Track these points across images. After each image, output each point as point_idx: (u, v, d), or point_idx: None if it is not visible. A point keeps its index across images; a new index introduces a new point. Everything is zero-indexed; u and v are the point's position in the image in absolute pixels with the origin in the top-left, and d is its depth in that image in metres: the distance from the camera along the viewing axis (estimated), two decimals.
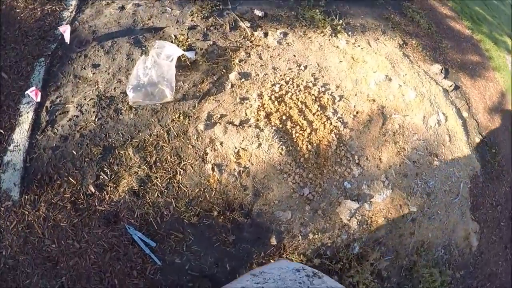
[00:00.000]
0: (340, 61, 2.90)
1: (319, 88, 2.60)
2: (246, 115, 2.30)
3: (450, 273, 2.66)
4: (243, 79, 2.47)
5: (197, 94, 2.40)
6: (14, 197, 2.14)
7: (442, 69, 3.46)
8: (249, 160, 2.17)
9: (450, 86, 3.40)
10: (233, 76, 2.44)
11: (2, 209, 2.14)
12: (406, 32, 3.68)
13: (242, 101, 2.36)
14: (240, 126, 2.23)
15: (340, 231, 2.38)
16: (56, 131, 2.29)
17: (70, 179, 2.16)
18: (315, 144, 2.36)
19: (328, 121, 2.49)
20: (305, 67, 2.71)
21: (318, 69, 2.74)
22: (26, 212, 2.10)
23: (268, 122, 2.29)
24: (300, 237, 2.22)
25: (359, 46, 3.16)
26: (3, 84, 2.45)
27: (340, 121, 2.54)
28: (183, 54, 2.44)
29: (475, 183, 2.99)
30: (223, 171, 2.14)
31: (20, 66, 2.52)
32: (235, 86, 2.44)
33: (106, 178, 2.17)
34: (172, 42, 2.59)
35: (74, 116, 2.34)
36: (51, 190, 2.13)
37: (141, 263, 2.03)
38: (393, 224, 2.60)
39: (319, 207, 2.30)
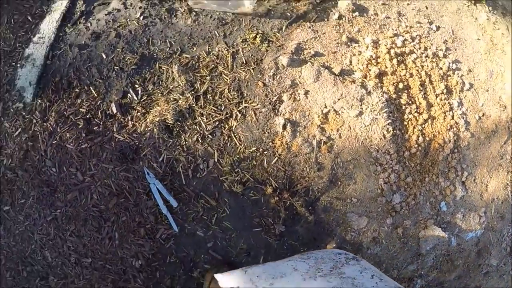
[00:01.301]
0: (478, 39, 2.07)
1: (449, 63, 1.82)
2: (351, 63, 1.55)
3: None
4: (356, 13, 1.68)
5: (288, 14, 1.62)
6: (27, 99, 1.70)
7: None
8: (337, 130, 1.47)
9: None
10: (344, 4, 1.65)
11: (12, 110, 1.72)
12: None
13: (349, 43, 1.59)
14: (340, 77, 1.50)
15: (412, 260, 1.77)
16: (89, 25, 1.72)
17: (91, 89, 1.61)
18: (427, 138, 1.65)
19: (450, 113, 1.75)
20: (437, 28, 1.90)
21: (451, 37, 1.93)
22: (34, 121, 1.64)
23: (379, 84, 1.54)
24: (365, 255, 1.60)
25: (499, 29, 2.31)
26: None
27: (463, 118, 1.79)
28: None
29: None
30: (297, 134, 1.45)
31: None
32: (344, 18, 1.66)
33: (135, 98, 1.55)
34: None
35: (115, 9, 1.72)
36: (67, 99, 1.64)
37: (152, 221, 1.49)
38: (466, 270, 1.99)
39: (402, 224, 1.64)
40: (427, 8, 1.94)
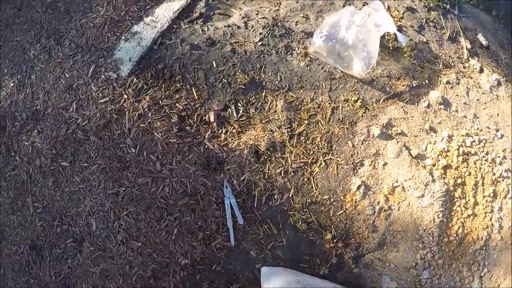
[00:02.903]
0: None
1: (502, 171, 2.02)
2: (426, 150, 1.76)
3: None
4: (442, 106, 1.88)
5: (387, 89, 1.81)
6: (122, 73, 1.74)
7: None
8: (398, 204, 1.68)
9: None
10: (435, 95, 1.85)
11: (103, 76, 1.75)
12: None
13: (429, 132, 1.79)
14: (415, 160, 1.70)
15: None
16: (206, 29, 1.80)
17: (193, 90, 1.69)
18: (465, 232, 1.85)
19: (490, 215, 1.95)
20: (501, 136, 2.10)
21: (510, 147, 2.14)
22: (125, 96, 1.69)
23: (443, 175, 1.75)
24: None
25: None
26: None
27: (498, 222, 1.99)
28: (394, 33, 1.84)
29: None
30: (366, 196, 1.65)
31: None
32: (431, 108, 1.86)
33: (235, 116, 1.67)
34: None
35: (235, 25, 1.81)
36: (166, 89, 1.69)
37: (213, 230, 1.61)
38: None
39: None
40: (498, 115, 2.15)
